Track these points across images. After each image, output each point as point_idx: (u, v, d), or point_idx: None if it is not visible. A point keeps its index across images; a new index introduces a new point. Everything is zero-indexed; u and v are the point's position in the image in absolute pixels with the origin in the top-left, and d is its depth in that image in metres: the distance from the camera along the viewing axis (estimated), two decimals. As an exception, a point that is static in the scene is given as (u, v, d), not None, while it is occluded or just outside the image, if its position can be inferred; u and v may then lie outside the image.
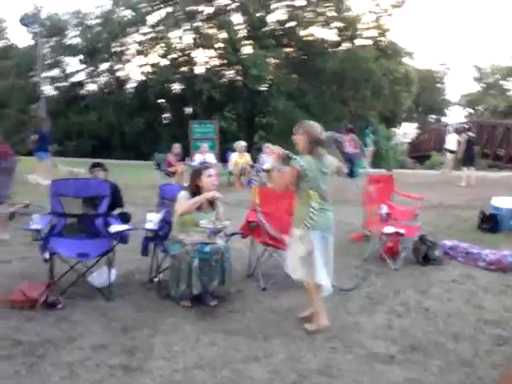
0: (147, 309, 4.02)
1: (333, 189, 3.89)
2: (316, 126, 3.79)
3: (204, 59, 24.51)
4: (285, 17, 25.92)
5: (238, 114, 27.38)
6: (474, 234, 7.27)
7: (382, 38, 26.54)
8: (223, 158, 13.73)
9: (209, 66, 24.20)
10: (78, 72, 27.29)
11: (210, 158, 12.44)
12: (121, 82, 26.51)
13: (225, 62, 24.05)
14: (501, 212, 7.44)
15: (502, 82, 43.46)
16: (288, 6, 25.58)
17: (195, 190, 4.39)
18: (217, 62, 24.47)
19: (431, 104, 47.52)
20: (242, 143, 12.53)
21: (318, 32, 26.48)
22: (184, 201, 4.27)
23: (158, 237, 4.37)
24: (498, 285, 5.02)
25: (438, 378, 3.09)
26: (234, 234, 4.79)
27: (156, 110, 26.32)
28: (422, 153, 33.19)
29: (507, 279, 5.19)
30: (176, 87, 25.46)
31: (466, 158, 13.47)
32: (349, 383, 3.00)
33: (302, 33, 26.21)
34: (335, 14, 25.58)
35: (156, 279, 4.62)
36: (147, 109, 24.86)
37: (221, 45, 23.76)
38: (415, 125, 54.22)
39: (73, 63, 27.59)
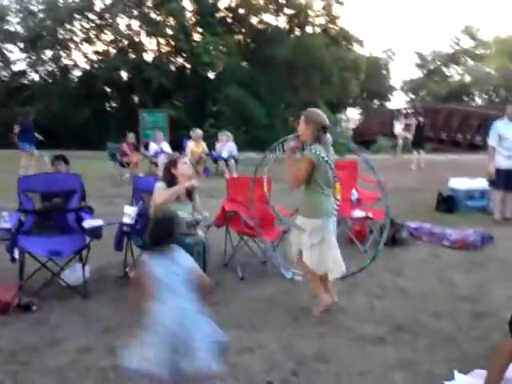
0: (126, 305, 3.87)
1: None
2: (321, 113, 3.74)
3: (153, 46, 23.91)
4: (235, 3, 25.71)
5: (188, 101, 26.96)
6: (432, 215, 7.53)
7: (332, 25, 26.93)
8: (178, 146, 13.50)
9: (157, 54, 23.61)
10: (19, 60, 25.88)
11: (166, 146, 12.19)
12: (66, 71, 25.37)
13: (174, 49, 23.55)
14: (457, 193, 7.75)
15: (443, 68, 45.10)
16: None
17: (170, 180, 4.27)
18: (166, 49, 23.92)
19: (375, 90, 48.59)
20: (199, 132, 12.32)
21: (269, 19, 26.49)
22: (162, 191, 4.14)
23: (135, 231, 4.22)
24: (464, 262, 5.24)
25: (427, 356, 3.17)
26: (217, 225, 4.73)
27: (102, 98, 25.44)
28: (366, 138, 34.07)
29: (472, 257, 5.42)
30: (124, 75, 24.69)
31: (416, 142, 13.92)
32: (346, 367, 3.02)
33: (253, 20, 26.11)
34: (285, 2, 25.65)
35: (131, 274, 4.48)
36: (93, 98, 23.94)
37: (170, 32, 23.17)
38: (358, 110, 55.45)
39: (14, 51, 26.13)
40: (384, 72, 51.66)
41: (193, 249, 4.00)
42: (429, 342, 3.38)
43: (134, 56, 23.91)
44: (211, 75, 25.41)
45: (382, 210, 6.13)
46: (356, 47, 32.05)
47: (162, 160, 11.69)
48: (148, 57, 24.42)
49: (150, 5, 23.93)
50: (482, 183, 7.79)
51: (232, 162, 11.85)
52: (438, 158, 17.38)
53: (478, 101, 45.49)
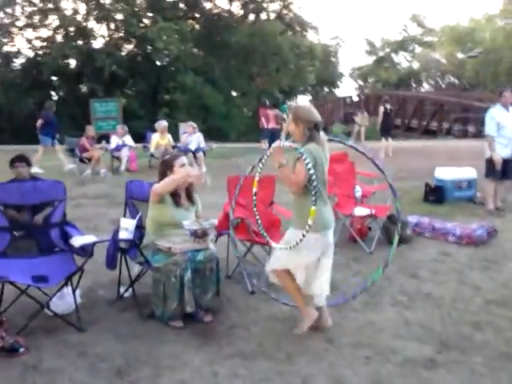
0: (132, 337, 3.29)
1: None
2: (311, 109, 3.25)
3: (102, 32, 22.58)
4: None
5: (140, 90, 25.84)
6: (422, 206, 7.30)
7: (286, 11, 26.52)
8: (140, 138, 12.78)
9: (108, 40, 22.32)
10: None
11: (129, 140, 11.39)
12: (8, 59, 23.55)
13: (125, 35, 22.36)
14: (445, 183, 7.55)
15: (392, 55, 45.73)
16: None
17: None
18: (117, 35, 22.66)
19: (325, 77, 48.63)
20: (164, 123, 11.57)
21: (222, 4, 25.72)
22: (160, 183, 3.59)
23: (132, 245, 3.61)
24: (477, 260, 4.97)
25: (492, 380, 2.82)
26: (221, 233, 4.16)
27: (49, 88, 23.87)
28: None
29: (483, 254, 5.16)
30: (72, 63, 23.20)
31: (384, 129, 13.78)
32: (411, 404, 2.61)
33: (206, 5, 25.23)
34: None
35: (127, 294, 3.89)
36: (39, 87, 22.41)
37: (120, 16, 21.90)
38: (309, 97, 55.55)
39: None
40: (333, 59, 51.89)
41: (205, 266, 3.49)
42: (484, 361, 3.03)
43: (82, 42, 22.50)
44: (165, 62, 24.43)
45: (384, 205, 5.92)
46: (309, 34, 31.86)
47: (125, 153, 10.96)
48: (97, 43, 23.08)
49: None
50: (468, 173, 7.64)
51: (200, 154, 11.23)
52: (402, 144, 17.37)
53: (426, 86, 46.65)
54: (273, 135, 14.64)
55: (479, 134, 20.47)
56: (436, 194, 7.51)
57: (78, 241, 3.43)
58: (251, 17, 26.90)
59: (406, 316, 3.69)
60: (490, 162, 6.50)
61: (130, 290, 3.84)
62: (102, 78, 21.52)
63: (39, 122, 11.29)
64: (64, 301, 3.51)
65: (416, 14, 44.51)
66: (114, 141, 11.20)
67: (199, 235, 3.61)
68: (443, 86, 43.94)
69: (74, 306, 3.46)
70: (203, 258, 3.47)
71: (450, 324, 3.54)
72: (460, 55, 35.84)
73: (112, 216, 6.87)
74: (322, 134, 3.24)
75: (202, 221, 3.68)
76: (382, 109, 13.66)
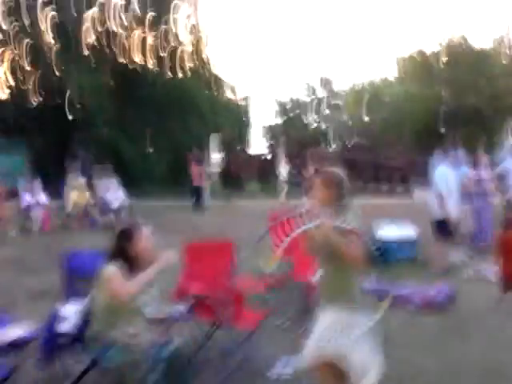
0: None
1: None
2: (342, 173, 2.84)
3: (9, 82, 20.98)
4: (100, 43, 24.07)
5: (48, 143, 24.24)
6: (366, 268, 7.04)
7: (203, 70, 26.82)
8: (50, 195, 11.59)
9: (15, 90, 20.79)
10: None
11: (41, 198, 10.29)
12: None
13: (34, 85, 21.02)
14: (387, 243, 7.38)
15: (301, 116, 47.84)
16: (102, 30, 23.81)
17: (127, 261, 2.96)
18: (25, 86, 21.19)
19: (237, 135, 49.35)
20: (81, 179, 10.68)
21: (137, 60, 25.34)
22: (122, 281, 2.83)
23: (79, 337, 2.84)
24: (446, 330, 4.73)
25: None
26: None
27: None
28: (232, 181, 34.22)
29: (450, 321, 4.93)
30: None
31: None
32: None
33: (121, 60, 24.74)
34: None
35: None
36: None
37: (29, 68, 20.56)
38: (221, 155, 56.09)
39: None
40: (244, 119, 53.26)
41: (171, 365, 2.79)
42: None
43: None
44: (78, 115, 23.28)
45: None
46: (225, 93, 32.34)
47: (37, 213, 9.84)
48: (3, 94, 21.39)
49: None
50: (409, 232, 7.58)
51: (123, 212, 10.38)
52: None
53: (334, 146, 49.02)
54: (198, 192, 14.17)
55: (393, 192, 21.56)
56: (379, 255, 7.31)
57: (2, 336, 2.60)
58: (168, 73, 26.80)
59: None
60: (442, 223, 6.41)
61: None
62: (9, 129, 19.91)
63: None
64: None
65: (324, 77, 47.33)
66: (25, 199, 10.05)
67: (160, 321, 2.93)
68: (350, 146, 46.41)
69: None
70: (169, 354, 2.77)
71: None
72: (366, 117, 38.24)
73: (29, 285, 6.05)
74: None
75: (167, 306, 3.01)
76: (312, 168, 13.74)
